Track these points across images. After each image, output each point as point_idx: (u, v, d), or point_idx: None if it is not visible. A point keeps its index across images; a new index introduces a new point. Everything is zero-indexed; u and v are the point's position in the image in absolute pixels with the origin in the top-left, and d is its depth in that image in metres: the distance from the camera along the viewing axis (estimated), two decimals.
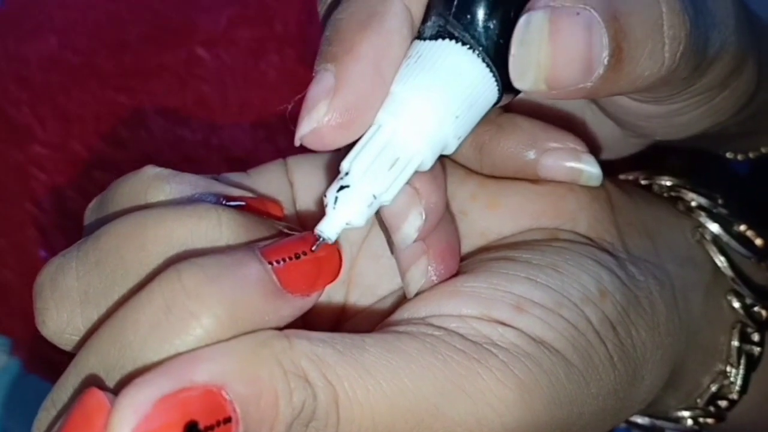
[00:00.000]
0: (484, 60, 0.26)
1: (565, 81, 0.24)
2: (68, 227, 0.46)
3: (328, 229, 0.25)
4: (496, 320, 0.26)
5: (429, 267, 0.27)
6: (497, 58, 0.26)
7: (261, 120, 0.47)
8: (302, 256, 0.24)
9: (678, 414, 0.34)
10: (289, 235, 0.26)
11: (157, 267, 0.24)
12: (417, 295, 0.28)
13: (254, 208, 0.28)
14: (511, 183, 0.30)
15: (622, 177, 0.36)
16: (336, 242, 0.26)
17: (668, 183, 0.35)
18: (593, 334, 0.27)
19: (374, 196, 0.25)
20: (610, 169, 0.34)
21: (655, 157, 0.41)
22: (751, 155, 0.40)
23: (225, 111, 0.47)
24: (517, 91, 0.27)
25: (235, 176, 0.30)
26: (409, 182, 0.26)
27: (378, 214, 0.28)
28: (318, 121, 0.25)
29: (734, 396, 0.34)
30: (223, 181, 0.29)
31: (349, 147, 0.26)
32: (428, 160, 0.26)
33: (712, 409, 0.34)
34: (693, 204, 0.34)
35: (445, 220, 0.28)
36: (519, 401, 0.25)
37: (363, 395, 0.23)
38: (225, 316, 0.22)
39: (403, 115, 0.25)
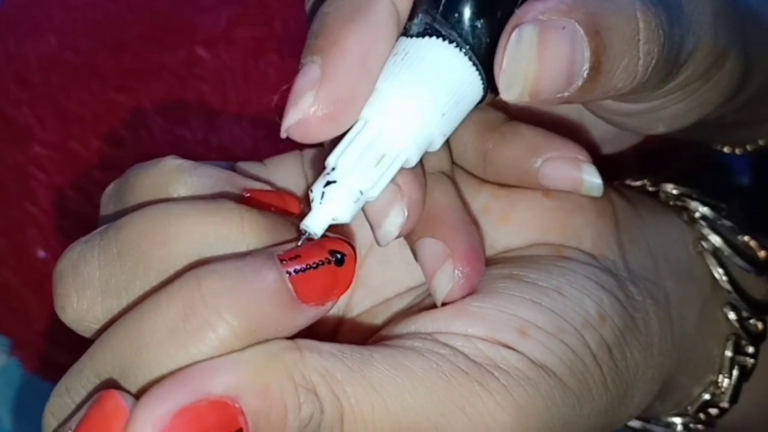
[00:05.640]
0: (470, 59, 0.26)
1: (546, 92, 0.24)
2: (68, 227, 0.46)
3: (314, 224, 0.25)
4: (500, 343, 0.26)
5: (456, 270, 0.27)
6: (483, 57, 0.26)
7: (261, 120, 0.47)
8: (320, 266, 0.24)
9: (669, 419, 0.35)
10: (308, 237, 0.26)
11: (178, 265, 0.24)
12: (443, 304, 0.27)
13: (273, 203, 0.28)
14: (522, 195, 0.30)
15: (628, 183, 0.36)
16: (354, 252, 0.26)
17: (674, 191, 0.35)
18: (590, 358, 0.27)
19: (361, 192, 0.25)
20: (618, 174, 0.34)
21: (661, 162, 0.41)
22: (749, 148, 0.40)
23: (225, 111, 0.47)
24: None
25: (252, 166, 0.30)
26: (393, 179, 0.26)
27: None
28: (304, 112, 0.24)
29: (725, 405, 0.34)
30: (241, 172, 0.29)
31: (334, 143, 0.26)
32: (414, 157, 0.26)
33: (702, 416, 0.34)
34: (696, 215, 0.34)
35: (467, 222, 0.28)
36: (515, 425, 0.25)
37: (368, 412, 0.24)
38: (240, 327, 0.23)
39: (389, 112, 0.25)
